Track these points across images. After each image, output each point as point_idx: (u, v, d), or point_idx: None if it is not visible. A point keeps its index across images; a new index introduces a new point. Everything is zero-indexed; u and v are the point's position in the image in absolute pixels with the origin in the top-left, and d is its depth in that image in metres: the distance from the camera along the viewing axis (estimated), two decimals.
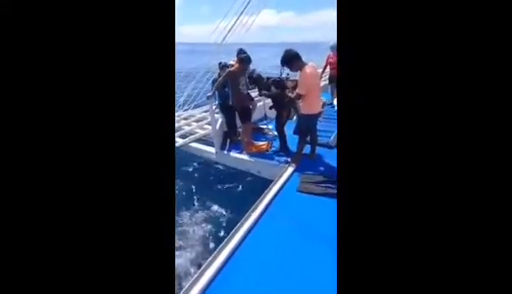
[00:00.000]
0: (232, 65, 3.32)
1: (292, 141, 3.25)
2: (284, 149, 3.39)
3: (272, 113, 3.52)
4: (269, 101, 3.54)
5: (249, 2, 4.83)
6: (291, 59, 2.64)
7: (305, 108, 2.79)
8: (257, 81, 3.35)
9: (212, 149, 3.70)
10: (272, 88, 3.23)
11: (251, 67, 3.41)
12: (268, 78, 3.29)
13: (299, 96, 2.70)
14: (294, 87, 3.12)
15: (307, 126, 2.93)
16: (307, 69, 2.60)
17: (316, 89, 2.78)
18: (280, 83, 3.19)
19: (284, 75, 3.26)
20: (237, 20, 4.89)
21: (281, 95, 3.15)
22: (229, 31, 4.96)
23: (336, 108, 4.90)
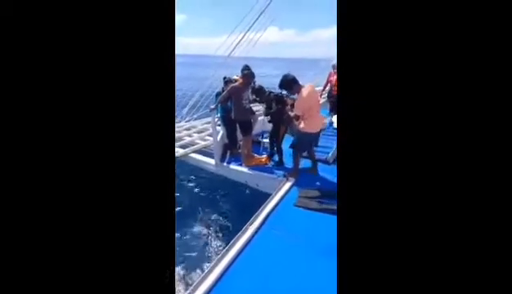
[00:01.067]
0: (236, 80, 3.42)
1: (289, 156, 3.31)
2: (280, 162, 3.45)
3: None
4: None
5: (256, 19, 5.02)
6: (288, 83, 2.79)
7: (304, 126, 2.87)
8: (258, 92, 3.43)
9: (212, 161, 3.73)
10: (273, 103, 3.32)
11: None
12: (270, 92, 3.37)
13: (297, 117, 2.81)
14: (293, 105, 3.22)
15: (304, 143, 3.01)
16: (304, 92, 2.72)
17: (315, 109, 2.86)
18: (281, 99, 3.29)
19: (284, 92, 3.36)
20: (244, 35, 5.07)
21: (280, 112, 3.25)
22: (235, 46, 5.12)
23: (334, 125, 4.97)
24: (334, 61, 4.95)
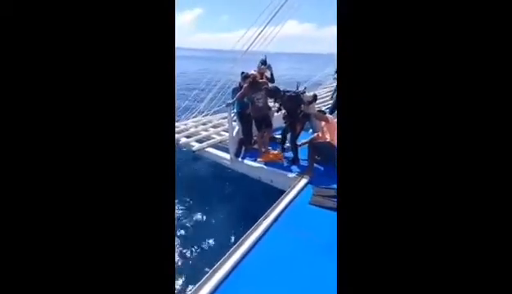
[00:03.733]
0: (254, 76, 3.41)
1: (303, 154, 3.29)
2: (296, 160, 3.41)
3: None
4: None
5: (275, 14, 4.93)
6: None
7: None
8: (273, 93, 3.39)
9: (227, 156, 3.75)
10: (287, 103, 3.26)
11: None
12: (285, 92, 3.31)
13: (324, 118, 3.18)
14: (310, 102, 3.26)
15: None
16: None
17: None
18: (295, 98, 3.23)
19: (300, 89, 3.30)
20: (262, 30, 5.00)
21: (295, 111, 3.23)
22: (254, 40, 5.07)
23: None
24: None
